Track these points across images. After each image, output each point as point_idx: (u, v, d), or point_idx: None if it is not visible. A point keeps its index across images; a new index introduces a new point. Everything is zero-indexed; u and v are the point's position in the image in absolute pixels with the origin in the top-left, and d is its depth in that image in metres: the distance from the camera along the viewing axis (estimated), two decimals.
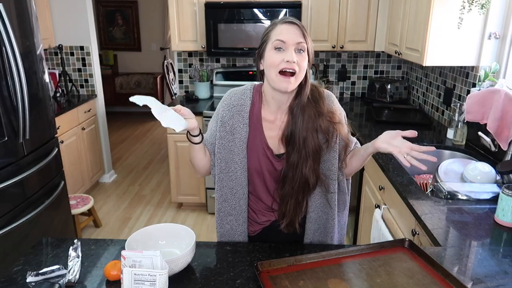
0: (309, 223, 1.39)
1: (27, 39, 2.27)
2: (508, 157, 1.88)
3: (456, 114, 2.35)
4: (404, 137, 1.22)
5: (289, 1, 3.18)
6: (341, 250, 1.23)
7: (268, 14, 3.18)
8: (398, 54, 2.77)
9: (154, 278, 0.98)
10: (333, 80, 3.73)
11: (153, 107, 1.14)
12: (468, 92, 2.33)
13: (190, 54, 3.73)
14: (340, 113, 1.36)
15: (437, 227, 1.41)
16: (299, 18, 3.11)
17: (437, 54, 2.28)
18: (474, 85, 2.31)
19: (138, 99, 1.15)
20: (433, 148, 1.20)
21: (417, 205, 1.56)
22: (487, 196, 1.64)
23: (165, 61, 5.67)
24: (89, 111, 3.80)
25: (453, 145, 2.32)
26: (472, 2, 2.03)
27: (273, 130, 1.33)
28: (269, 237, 1.41)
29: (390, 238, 1.79)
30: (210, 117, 3.14)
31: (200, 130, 1.28)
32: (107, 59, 6.97)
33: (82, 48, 3.81)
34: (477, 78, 2.25)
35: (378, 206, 2.06)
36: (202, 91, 3.63)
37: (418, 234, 1.54)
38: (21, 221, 2.17)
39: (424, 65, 2.32)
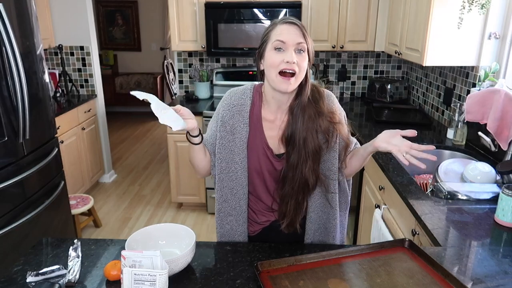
0: (310, 223, 1.38)
1: (27, 39, 2.27)
2: (508, 157, 1.88)
3: (456, 114, 2.35)
4: (404, 137, 1.22)
5: (289, 1, 3.18)
6: (341, 250, 1.23)
7: (268, 14, 3.18)
8: (398, 54, 2.77)
9: (154, 278, 0.98)
10: (333, 80, 3.73)
11: (153, 102, 1.14)
12: (468, 92, 2.33)
13: (190, 54, 3.73)
14: (340, 113, 1.36)
15: (437, 227, 1.41)
16: (299, 18, 3.11)
17: (437, 54, 2.28)
18: (474, 85, 2.31)
19: (139, 94, 1.16)
20: (432, 147, 1.20)
21: (417, 205, 1.56)
22: (487, 196, 1.64)
23: (165, 61, 5.67)
24: (89, 111, 3.80)
25: (453, 145, 2.32)
26: (472, 2, 2.03)
27: (273, 130, 1.33)
28: (269, 237, 1.41)
29: (390, 238, 1.79)
30: (210, 117, 3.14)
31: (200, 130, 1.28)
32: (107, 59, 6.97)
33: (82, 48, 3.81)
34: (477, 78, 2.25)
35: (378, 206, 2.06)
36: (202, 91, 3.63)
37: (418, 234, 1.54)
38: (21, 221, 2.17)
39: (424, 65, 2.32)
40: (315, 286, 1.07)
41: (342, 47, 3.30)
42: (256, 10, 3.18)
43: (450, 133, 2.42)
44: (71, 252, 1.18)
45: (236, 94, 1.35)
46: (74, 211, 2.99)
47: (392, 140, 1.21)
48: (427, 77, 3.06)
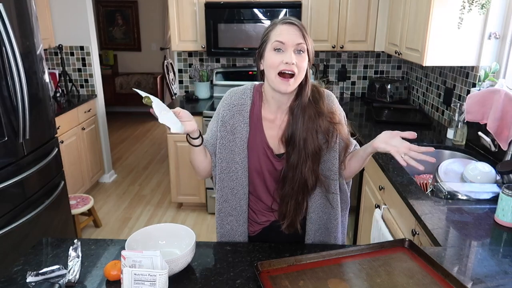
0: (310, 223, 1.38)
1: (27, 39, 2.27)
2: (508, 157, 1.88)
3: (456, 114, 2.35)
4: (403, 138, 1.22)
5: (289, 1, 3.18)
6: (341, 250, 1.23)
7: (268, 14, 3.18)
8: (398, 54, 2.77)
9: (154, 278, 0.98)
10: (333, 80, 3.73)
11: (155, 102, 1.15)
12: (468, 92, 2.33)
13: (190, 54, 3.73)
14: (339, 113, 1.36)
15: (437, 227, 1.41)
16: (299, 18, 3.11)
17: (437, 54, 2.28)
18: (474, 85, 2.31)
19: (142, 92, 1.17)
20: (432, 149, 1.19)
21: (417, 205, 1.56)
22: (487, 196, 1.64)
23: (165, 61, 5.67)
24: (89, 111, 3.80)
25: (453, 145, 2.32)
26: (472, 2, 2.03)
27: (273, 130, 1.33)
28: (269, 237, 1.41)
29: (390, 238, 1.79)
30: (210, 117, 3.14)
31: (200, 132, 1.28)
32: (107, 59, 6.97)
33: (82, 48, 3.81)
34: (477, 78, 2.25)
35: (378, 206, 2.06)
36: (202, 91, 3.63)
37: (418, 234, 1.54)
38: (21, 221, 2.17)
39: (424, 65, 2.32)
40: (315, 286, 1.07)
41: (342, 47, 3.30)
42: (256, 10, 3.18)
43: (450, 133, 2.42)
44: (71, 252, 1.18)
45: (236, 94, 1.35)
46: (74, 211, 2.99)
47: (391, 141, 1.21)
48: (427, 77, 3.06)
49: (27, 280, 1.10)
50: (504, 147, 1.89)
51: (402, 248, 1.25)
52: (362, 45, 3.29)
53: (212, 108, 3.35)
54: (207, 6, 3.18)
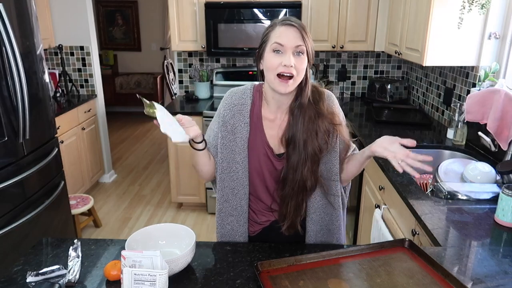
0: (312, 224, 1.38)
1: (27, 39, 2.27)
2: (508, 157, 1.88)
3: (456, 114, 2.35)
4: (402, 145, 1.20)
5: (289, 1, 3.18)
6: (341, 250, 1.23)
7: (268, 14, 3.18)
8: (398, 54, 2.77)
9: (154, 278, 0.98)
10: (333, 80, 3.73)
11: (159, 109, 1.14)
12: (468, 92, 2.33)
13: (190, 54, 3.73)
14: (339, 114, 1.36)
15: (437, 227, 1.41)
16: (299, 18, 3.11)
17: (437, 54, 2.28)
18: (474, 85, 2.31)
19: (147, 100, 1.17)
20: (430, 158, 1.18)
21: (417, 205, 1.56)
22: (487, 196, 1.64)
23: (165, 61, 5.67)
24: (89, 111, 3.80)
25: (453, 145, 2.32)
26: (472, 2, 2.03)
27: (273, 129, 1.33)
28: (269, 237, 1.41)
29: (390, 238, 1.79)
30: (210, 117, 3.15)
31: (203, 136, 1.28)
32: (107, 59, 6.97)
33: (82, 48, 3.81)
34: (477, 78, 2.25)
35: (378, 206, 2.06)
36: (202, 91, 3.63)
37: (418, 234, 1.54)
38: (21, 221, 2.17)
39: (424, 65, 2.32)
40: (315, 286, 1.07)
41: (342, 47, 3.30)
42: (256, 10, 3.18)
43: (450, 133, 2.42)
44: (71, 252, 1.18)
45: (236, 94, 1.35)
46: (74, 211, 2.99)
47: (389, 146, 1.20)
48: (427, 77, 3.06)
49: (27, 280, 1.10)
50: (504, 147, 1.89)
51: (402, 248, 1.25)
52: (362, 45, 3.29)
53: (212, 108, 3.35)
54: (207, 6, 3.18)
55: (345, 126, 1.35)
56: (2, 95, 2.06)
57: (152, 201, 3.85)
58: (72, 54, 3.83)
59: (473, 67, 2.33)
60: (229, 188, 1.36)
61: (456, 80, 2.55)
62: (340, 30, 3.25)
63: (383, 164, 2.00)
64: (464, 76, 2.45)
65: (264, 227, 1.43)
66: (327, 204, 1.37)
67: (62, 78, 3.75)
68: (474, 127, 2.21)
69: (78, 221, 3.09)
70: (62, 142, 3.17)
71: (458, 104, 2.42)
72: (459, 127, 2.30)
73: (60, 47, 3.68)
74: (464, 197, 1.65)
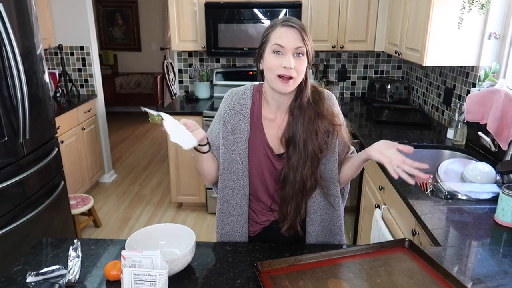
0: (312, 225, 1.38)
1: (27, 39, 2.27)
2: (508, 157, 1.88)
3: (456, 114, 2.35)
4: (399, 151, 1.18)
5: (289, 1, 3.18)
6: (341, 250, 1.23)
7: (268, 14, 3.18)
8: (398, 54, 2.77)
9: (154, 278, 0.98)
10: (333, 80, 3.73)
11: (167, 118, 1.13)
12: (468, 92, 2.33)
13: (190, 54, 3.73)
14: (339, 114, 1.36)
15: (437, 227, 1.41)
16: (299, 18, 3.11)
17: (437, 54, 2.28)
18: (474, 85, 2.31)
19: (153, 111, 1.15)
20: (426, 166, 1.15)
21: (417, 205, 1.56)
22: (487, 196, 1.64)
23: (165, 61, 5.67)
24: (89, 111, 3.80)
25: (453, 145, 2.32)
26: (472, 2, 2.03)
27: (273, 129, 1.33)
28: (269, 238, 1.41)
29: (390, 238, 1.79)
30: (210, 117, 3.15)
31: (207, 139, 1.27)
32: (107, 59, 6.97)
33: (82, 48, 3.81)
34: (477, 78, 2.25)
35: (378, 206, 2.06)
36: (202, 91, 3.63)
37: (418, 234, 1.54)
38: (21, 221, 2.17)
39: (424, 65, 2.32)
40: (315, 286, 1.07)
41: (342, 47, 3.30)
42: (256, 10, 3.18)
43: (450, 133, 2.42)
44: (71, 252, 1.18)
45: (236, 94, 1.35)
46: (74, 211, 2.99)
47: (386, 152, 1.19)
48: (427, 77, 3.06)
49: (27, 280, 1.10)
50: (504, 147, 1.89)
51: (402, 248, 1.25)
52: (362, 45, 3.29)
53: (212, 108, 3.35)
54: (207, 6, 3.18)
55: (345, 127, 1.35)
56: (2, 95, 2.06)
57: (152, 201, 3.85)
58: (72, 54, 3.83)
59: (473, 67, 2.33)
60: (229, 188, 1.36)
61: (456, 80, 2.55)
62: (340, 30, 3.25)
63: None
64: (464, 76, 2.45)
65: (264, 227, 1.43)
66: (327, 204, 1.37)
67: (62, 78, 3.75)
68: (474, 127, 2.21)
69: (78, 221, 3.09)
70: (62, 142, 3.17)
71: (458, 104, 2.42)
72: (459, 127, 2.30)
73: (60, 47, 3.68)
74: (464, 197, 1.65)
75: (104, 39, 7.12)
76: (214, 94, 3.72)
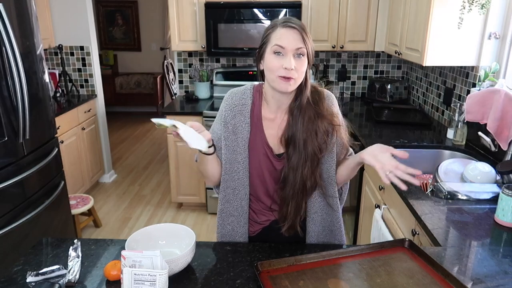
0: (313, 225, 1.38)
1: (27, 39, 2.27)
2: (508, 157, 1.88)
3: (456, 114, 2.35)
4: (394, 156, 1.17)
5: (289, 1, 3.18)
6: (341, 250, 1.23)
7: (268, 14, 3.18)
8: (398, 54, 2.77)
9: (154, 278, 0.98)
10: (333, 80, 3.73)
11: (181, 127, 1.11)
12: (468, 92, 2.33)
13: (190, 54, 3.73)
14: (338, 115, 1.36)
15: (437, 227, 1.41)
16: (299, 18, 3.11)
17: (437, 54, 2.28)
18: (474, 85, 2.31)
19: (164, 121, 1.12)
20: (419, 172, 1.14)
21: (417, 205, 1.56)
22: (487, 196, 1.64)
23: (165, 61, 5.67)
24: (89, 111, 3.80)
25: (453, 145, 2.32)
26: (472, 2, 2.03)
27: (273, 129, 1.33)
28: (269, 238, 1.41)
29: (390, 238, 1.79)
30: (210, 117, 3.15)
31: (212, 140, 1.27)
32: (107, 59, 6.97)
33: (82, 48, 3.81)
34: (477, 78, 2.25)
35: (378, 206, 2.06)
36: (202, 91, 3.63)
37: (418, 234, 1.54)
38: (21, 221, 2.17)
39: (424, 65, 2.32)
40: (315, 286, 1.07)
41: (342, 47, 3.30)
42: (256, 10, 3.18)
43: (450, 133, 2.42)
44: (71, 252, 1.18)
45: (236, 95, 1.35)
46: (74, 211, 2.99)
47: (379, 156, 1.17)
48: (427, 77, 3.06)
49: (27, 280, 1.10)
50: (504, 147, 1.89)
51: (402, 248, 1.25)
52: (362, 45, 3.29)
53: (212, 108, 3.35)
54: (207, 6, 3.18)
55: (344, 127, 1.35)
56: (2, 95, 2.06)
57: (152, 201, 3.85)
58: (72, 54, 3.83)
59: (473, 67, 2.33)
60: (230, 188, 1.36)
61: (456, 80, 2.55)
62: (340, 30, 3.25)
63: None
64: (464, 76, 2.44)
65: (264, 227, 1.43)
66: (326, 205, 1.37)
67: (62, 78, 3.75)
68: (474, 127, 2.21)
69: (78, 221, 3.09)
70: (62, 142, 3.17)
71: (458, 104, 2.42)
72: (459, 127, 2.30)
73: (60, 47, 3.68)
74: (464, 197, 1.65)
75: (104, 39, 7.12)
76: (214, 94, 3.72)
